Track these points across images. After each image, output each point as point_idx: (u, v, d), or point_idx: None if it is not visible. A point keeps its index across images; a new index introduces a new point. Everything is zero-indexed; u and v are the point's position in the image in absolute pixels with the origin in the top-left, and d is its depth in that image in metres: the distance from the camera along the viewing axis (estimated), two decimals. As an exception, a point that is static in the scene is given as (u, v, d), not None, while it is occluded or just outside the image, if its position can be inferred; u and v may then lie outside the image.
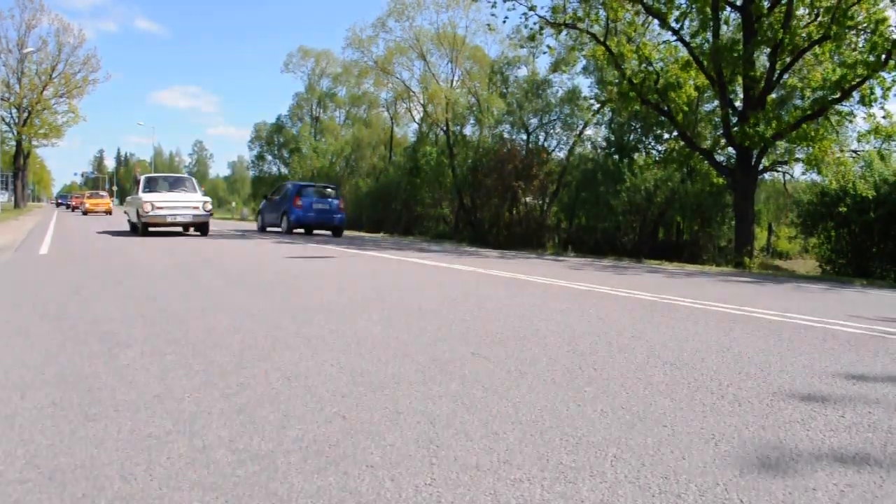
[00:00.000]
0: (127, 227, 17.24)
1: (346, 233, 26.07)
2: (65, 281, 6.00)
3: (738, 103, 17.00)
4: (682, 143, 19.42)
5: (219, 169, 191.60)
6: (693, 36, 17.20)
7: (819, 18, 15.25)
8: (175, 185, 16.03)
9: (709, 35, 16.71)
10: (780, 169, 26.71)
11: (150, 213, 13.88)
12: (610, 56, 17.68)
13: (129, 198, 17.54)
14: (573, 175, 28.15)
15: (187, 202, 14.53)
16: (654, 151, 27.54)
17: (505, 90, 31.95)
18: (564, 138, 30.93)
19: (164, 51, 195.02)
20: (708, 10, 16.38)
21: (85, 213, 36.16)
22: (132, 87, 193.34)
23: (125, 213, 17.17)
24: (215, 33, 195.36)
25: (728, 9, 17.01)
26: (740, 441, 2.19)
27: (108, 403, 2.40)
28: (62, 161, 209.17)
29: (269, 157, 56.05)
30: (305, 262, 8.93)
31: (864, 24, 14.91)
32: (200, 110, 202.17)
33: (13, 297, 4.94)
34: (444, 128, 31.14)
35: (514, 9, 17.86)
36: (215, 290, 5.61)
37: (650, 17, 18.51)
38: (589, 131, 30.53)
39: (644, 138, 27.94)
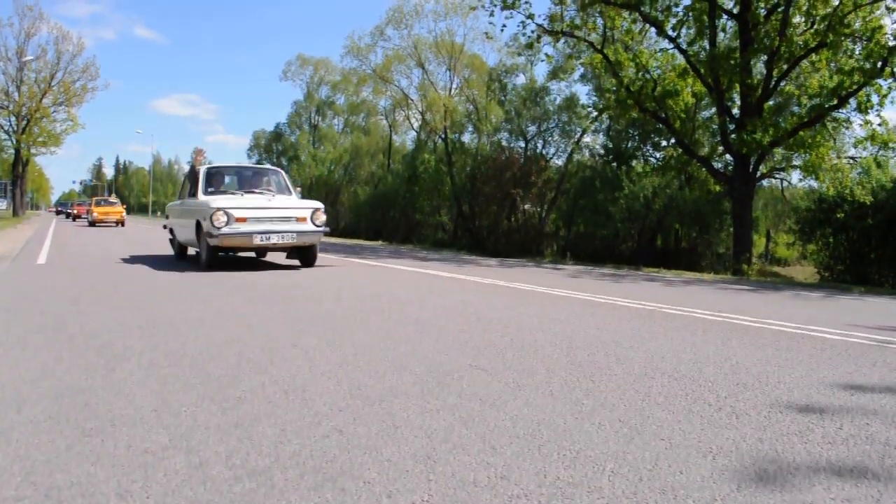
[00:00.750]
0: (164, 249, 12.23)
1: (345, 241, 26.08)
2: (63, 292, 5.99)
3: (735, 110, 17.03)
4: (679, 150, 19.48)
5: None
6: (690, 44, 17.27)
7: (815, 26, 15.31)
8: (255, 181, 10.21)
9: (706, 43, 16.79)
10: (777, 176, 26.79)
11: (225, 231, 8.31)
12: (607, 64, 17.74)
13: (177, 203, 11.11)
14: (571, 182, 28.20)
15: (285, 211, 8.85)
16: (652, 159, 27.58)
17: (503, 98, 32.05)
18: (562, 146, 31.07)
19: (163, 59, 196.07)
20: (705, 18, 16.47)
21: (92, 223, 29.00)
22: (131, 95, 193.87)
23: (166, 227, 11.37)
24: (214, 41, 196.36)
25: (725, 17, 17.10)
26: (738, 454, 2.18)
27: (105, 418, 2.39)
28: (61, 169, 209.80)
29: (268, 165, 56.11)
30: (302, 272, 8.92)
31: (861, 32, 14.99)
32: (199, 118, 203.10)
33: (11, 308, 4.94)
34: (443, 135, 31.22)
35: (511, 17, 17.95)
36: (212, 301, 5.61)
37: (647, 26, 18.62)
38: (587, 139, 30.67)
39: (642, 146, 27.99)
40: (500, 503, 1.76)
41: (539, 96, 30.28)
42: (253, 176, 10.46)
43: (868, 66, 14.22)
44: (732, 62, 15.75)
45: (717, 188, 20.57)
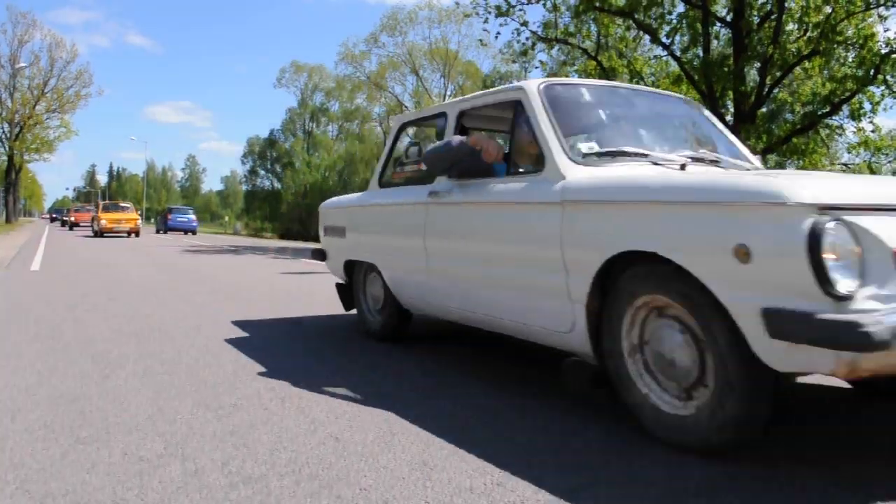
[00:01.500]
0: (286, 304, 6.14)
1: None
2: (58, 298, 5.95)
3: (728, 117, 17.10)
4: (674, 156, 19.47)
5: (211, 184, 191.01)
6: (684, 51, 17.37)
7: (808, 34, 15.42)
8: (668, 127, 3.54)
9: (699, 50, 16.87)
10: (771, 182, 26.85)
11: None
12: (601, 71, 17.82)
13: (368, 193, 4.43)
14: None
15: None
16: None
17: (498, 104, 32.11)
18: (557, 152, 31.09)
19: (156, 66, 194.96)
20: (698, 25, 16.55)
21: (98, 233, 23.20)
22: (124, 103, 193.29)
23: (326, 256, 4.81)
24: (208, 48, 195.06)
25: (718, 24, 17.20)
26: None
27: (100, 426, 2.38)
28: (54, 176, 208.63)
29: (262, 172, 56.17)
30: (299, 277, 8.91)
31: (853, 40, 15.10)
32: (193, 125, 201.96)
33: (6, 316, 4.91)
34: (438, 142, 31.26)
35: (506, 24, 18.00)
36: (208, 307, 5.59)
37: (641, 33, 18.69)
38: (581, 145, 30.70)
39: (636, 152, 28.05)
40: (497, 510, 1.74)
41: (534, 103, 30.34)
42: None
43: (860, 73, 14.33)
44: (726, 69, 15.83)
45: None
